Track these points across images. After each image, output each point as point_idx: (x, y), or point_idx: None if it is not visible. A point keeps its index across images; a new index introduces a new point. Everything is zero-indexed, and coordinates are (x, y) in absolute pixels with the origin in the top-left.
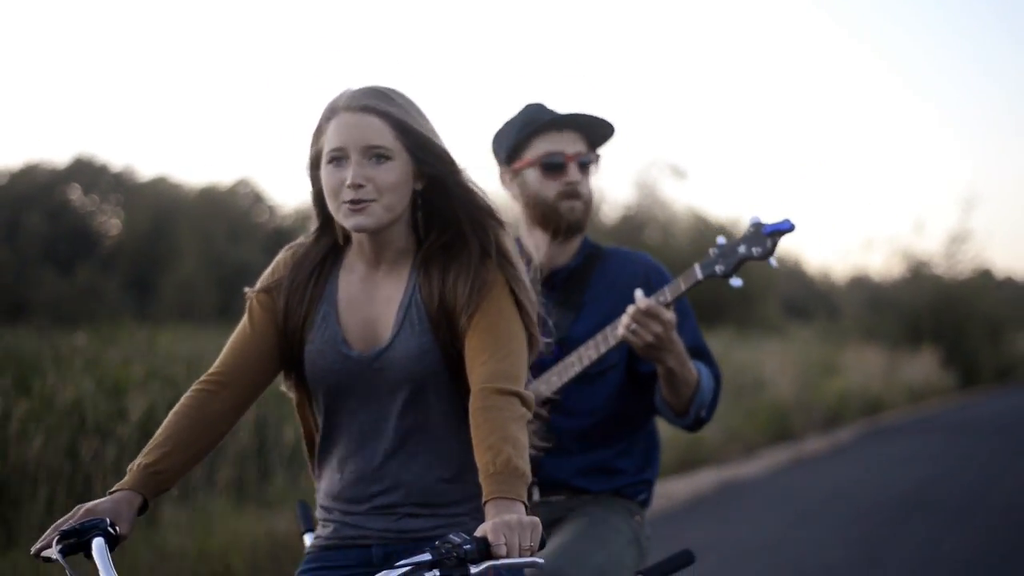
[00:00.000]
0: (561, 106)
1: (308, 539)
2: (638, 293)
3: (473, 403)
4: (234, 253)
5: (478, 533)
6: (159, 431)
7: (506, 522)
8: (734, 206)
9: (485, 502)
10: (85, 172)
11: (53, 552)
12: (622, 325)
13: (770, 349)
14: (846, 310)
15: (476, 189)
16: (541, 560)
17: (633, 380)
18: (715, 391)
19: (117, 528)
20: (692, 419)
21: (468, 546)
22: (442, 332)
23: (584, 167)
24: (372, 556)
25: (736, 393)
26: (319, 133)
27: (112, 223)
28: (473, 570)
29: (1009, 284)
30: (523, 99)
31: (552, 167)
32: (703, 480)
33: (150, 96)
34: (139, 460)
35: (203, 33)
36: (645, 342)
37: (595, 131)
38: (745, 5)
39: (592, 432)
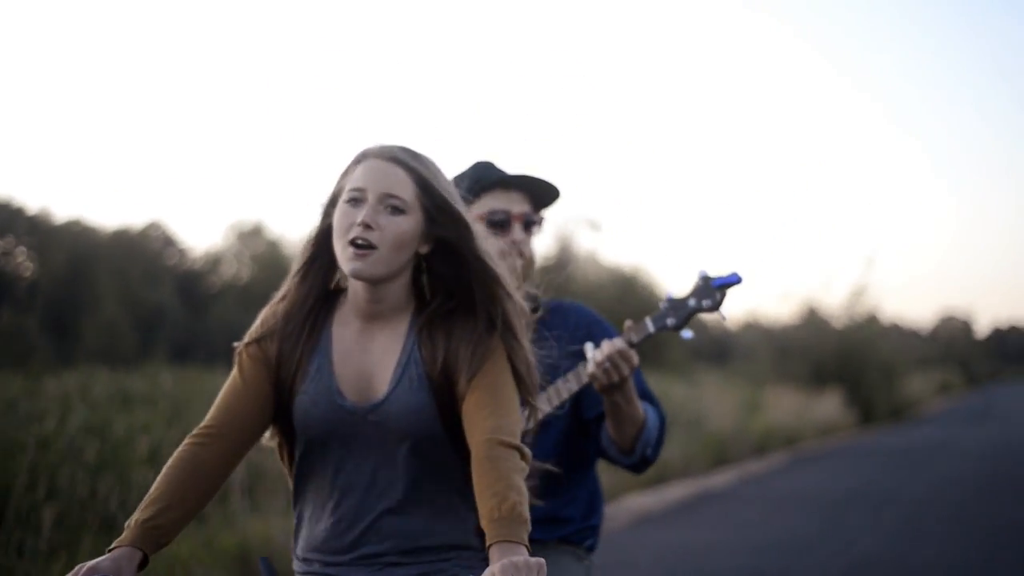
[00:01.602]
0: (509, 164)
1: None
2: (588, 346)
3: (477, 453)
4: (149, 295)
5: (485, 574)
6: (154, 487)
7: (513, 563)
8: (649, 256)
9: (489, 545)
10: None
11: None
12: (593, 363)
13: (704, 390)
14: (759, 355)
15: (488, 259)
16: None
17: (578, 427)
18: (660, 431)
19: None
20: (638, 458)
21: None
22: (442, 394)
23: (528, 227)
24: None
25: (685, 425)
26: (345, 174)
27: (26, 266)
28: None
29: (895, 330)
30: (450, 154)
31: (497, 224)
32: (683, 489)
33: (58, 138)
34: (136, 516)
35: (107, 73)
36: (611, 381)
37: (542, 193)
38: (655, 64)
39: (540, 481)
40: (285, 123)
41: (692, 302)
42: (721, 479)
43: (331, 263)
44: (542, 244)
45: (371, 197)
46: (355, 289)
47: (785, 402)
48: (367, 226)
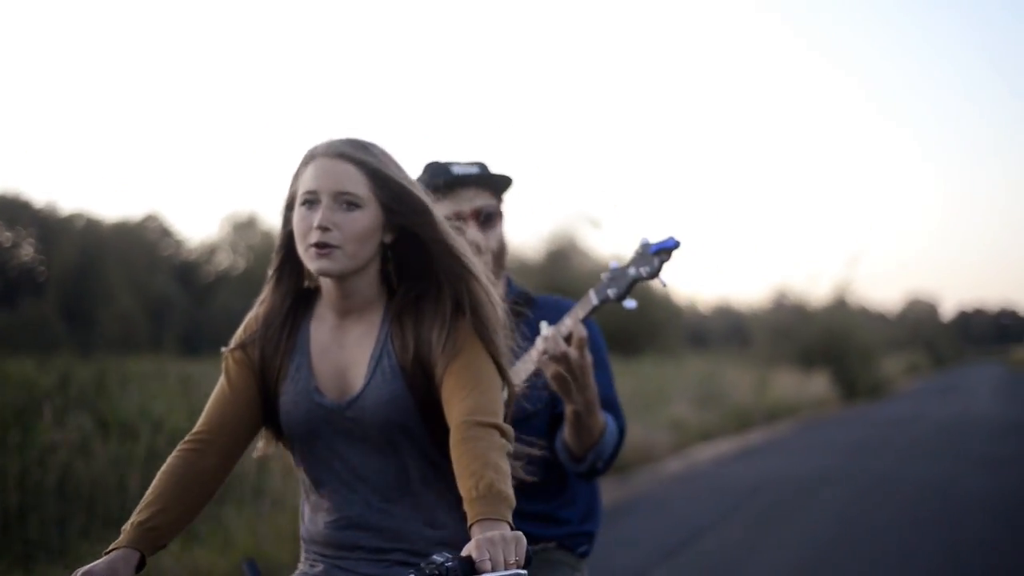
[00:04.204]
0: (459, 156)
1: None
2: (543, 325)
3: (454, 436)
4: (154, 285)
5: (463, 552)
6: (149, 490)
7: (489, 538)
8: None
9: (470, 525)
10: (8, 208)
11: None
12: (536, 351)
13: (723, 369)
14: (756, 338)
15: (451, 241)
16: (524, 571)
17: (556, 425)
18: (617, 444)
19: None
20: (587, 467)
21: (451, 563)
22: (417, 382)
23: (487, 221)
24: None
25: (715, 398)
26: (296, 176)
27: (36, 258)
28: None
29: (863, 314)
30: (438, 151)
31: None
32: (728, 444)
33: (57, 132)
34: (132, 519)
35: (105, 69)
36: (553, 373)
37: (494, 183)
38: (650, 67)
39: (538, 480)
40: (278, 116)
41: (632, 270)
42: (753, 437)
43: (302, 265)
44: (538, 242)
45: (324, 198)
46: (326, 286)
47: (784, 381)
48: (324, 229)
